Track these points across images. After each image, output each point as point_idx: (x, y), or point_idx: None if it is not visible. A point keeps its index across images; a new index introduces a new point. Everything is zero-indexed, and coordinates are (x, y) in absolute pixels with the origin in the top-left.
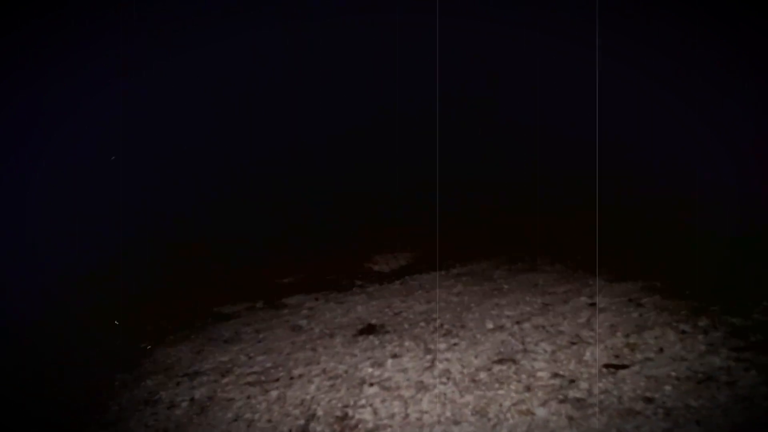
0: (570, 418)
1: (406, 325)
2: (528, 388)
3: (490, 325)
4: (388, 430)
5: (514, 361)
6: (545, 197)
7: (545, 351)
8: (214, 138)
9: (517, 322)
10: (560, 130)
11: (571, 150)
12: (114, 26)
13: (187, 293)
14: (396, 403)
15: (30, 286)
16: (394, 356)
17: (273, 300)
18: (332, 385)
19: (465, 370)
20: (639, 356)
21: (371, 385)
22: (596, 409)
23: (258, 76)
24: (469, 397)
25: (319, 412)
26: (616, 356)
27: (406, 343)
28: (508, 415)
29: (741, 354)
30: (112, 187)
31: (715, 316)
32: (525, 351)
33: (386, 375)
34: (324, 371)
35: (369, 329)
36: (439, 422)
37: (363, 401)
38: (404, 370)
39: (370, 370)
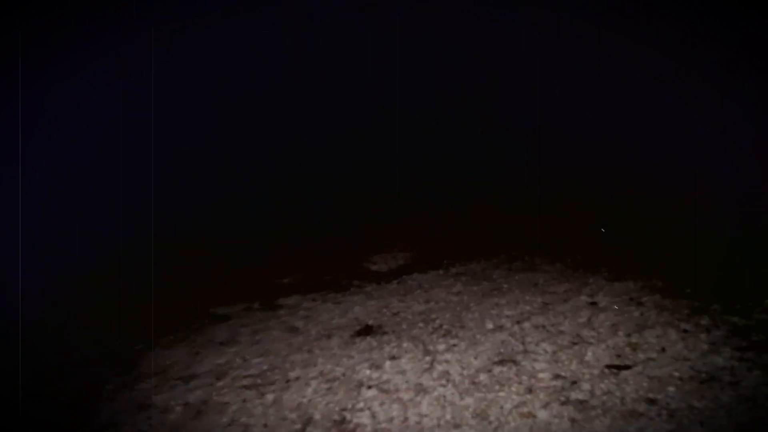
0: (572, 421)
1: (404, 326)
2: (529, 390)
3: (489, 325)
4: None
5: (515, 362)
6: (545, 197)
7: (546, 351)
8: (214, 138)
9: (517, 322)
10: (560, 130)
11: (571, 150)
12: (114, 26)
13: (183, 293)
14: (395, 406)
15: (29, 285)
16: (393, 358)
17: (270, 300)
18: (329, 388)
19: (465, 372)
20: (641, 356)
21: (369, 387)
22: (599, 411)
23: (258, 76)
24: (469, 400)
25: (317, 416)
26: (618, 356)
27: (405, 344)
28: (510, 417)
29: (743, 354)
30: (112, 187)
31: (716, 315)
32: (525, 352)
33: (384, 377)
34: (321, 374)
35: (367, 330)
36: (438, 425)
37: (361, 404)
38: (403, 372)
39: (368, 372)
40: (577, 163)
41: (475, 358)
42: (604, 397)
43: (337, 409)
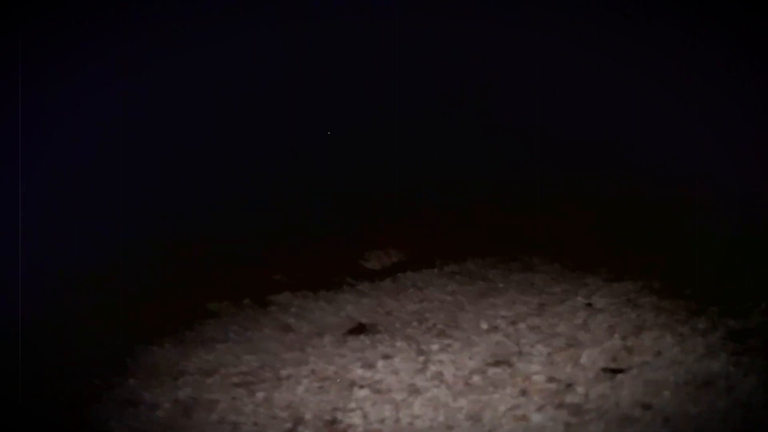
0: (567, 425)
1: (397, 325)
2: (523, 393)
3: (484, 326)
4: None
5: (509, 364)
6: (545, 197)
7: (541, 353)
8: (214, 138)
9: (513, 323)
10: (560, 130)
11: (571, 150)
12: (114, 26)
13: (174, 289)
14: (387, 406)
15: (28, 285)
16: (386, 357)
17: (261, 297)
18: (321, 387)
19: (459, 373)
20: (637, 359)
21: (361, 387)
22: (593, 415)
23: (258, 76)
24: (462, 401)
25: (308, 416)
26: (614, 359)
27: (398, 344)
28: (503, 420)
29: (740, 358)
30: (112, 187)
31: (713, 318)
32: (520, 353)
33: (377, 377)
34: (313, 372)
35: (359, 329)
36: (431, 427)
37: (353, 404)
38: (396, 372)
39: (360, 371)
40: (577, 163)
41: (470, 358)
42: (599, 401)
43: (328, 408)
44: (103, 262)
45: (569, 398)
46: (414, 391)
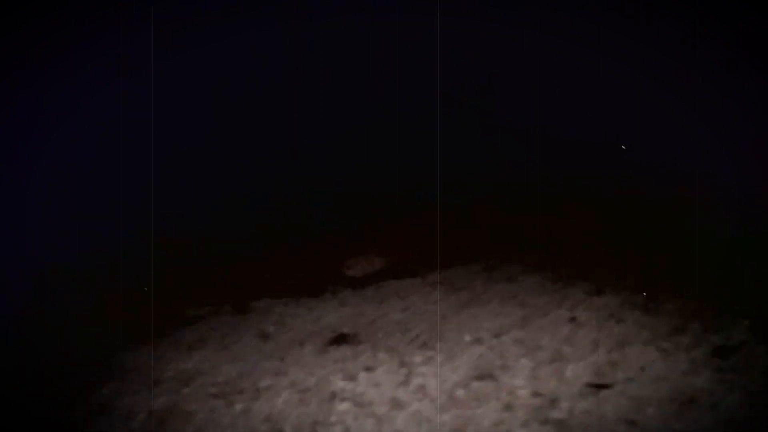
0: None
1: (380, 335)
2: (508, 407)
3: (467, 338)
4: None
5: (493, 378)
6: (543, 197)
7: (525, 367)
8: (214, 138)
9: (496, 336)
10: (560, 130)
11: (571, 150)
12: (114, 26)
13: (152, 293)
14: (369, 420)
15: (26, 284)
16: (368, 369)
17: (241, 303)
18: (301, 399)
19: (442, 386)
20: (621, 375)
21: (343, 400)
22: (578, 431)
23: (258, 76)
24: (446, 416)
25: (287, 429)
26: (598, 374)
27: (380, 355)
28: None
29: (723, 375)
30: (112, 187)
31: (696, 334)
32: (504, 367)
33: (359, 389)
34: (293, 383)
35: (341, 338)
36: None
37: (334, 418)
38: (378, 385)
39: (341, 383)
40: (577, 163)
41: (453, 372)
42: (584, 417)
43: (308, 421)
44: (100, 261)
45: (554, 414)
46: (396, 404)
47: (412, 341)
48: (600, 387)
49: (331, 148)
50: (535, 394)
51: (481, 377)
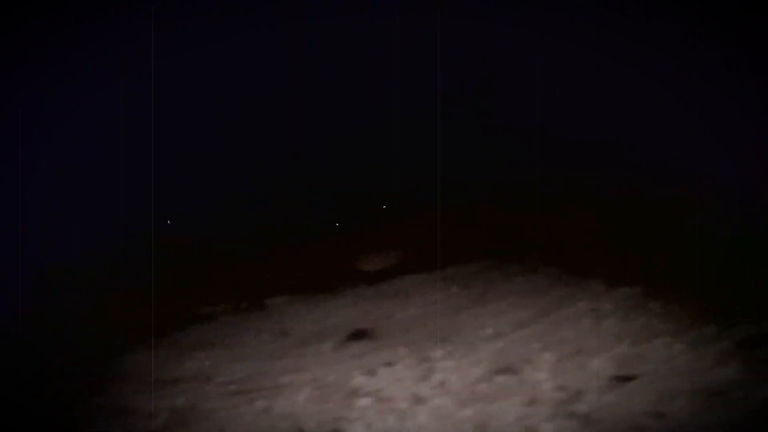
0: None
1: (399, 330)
2: (532, 402)
3: (488, 331)
4: None
5: (516, 372)
6: (543, 197)
7: (548, 360)
8: (214, 138)
9: (517, 329)
10: (560, 130)
11: (571, 150)
12: (114, 26)
13: (171, 293)
14: (391, 416)
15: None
16: (387, 364)
17: (259, 300)
18: (322, 396)
19: (464, 381)
20: (647, 367)
21: (363, 396)
22: (605, 425)
23: (258, 76)
24: (468, 411)
25: (309, 425)
26: (623, 367)
27: (400, 350)
28: (512, 431)
29: (752, 366)
30: (112, 187)
31: (723, 324)
32: (526, 360)
33: (379, 385)
34: (313, 380)
35: (359, 334)
36: None
37: (355, 414)
38: (398, 380)
39: (361, 379)
40: (577, 163)
41: (474, 366)
42: (610, 410)
43: (330, 418)
44: (101, 261)
45: (579, 407)
46: (418, 400)
47: (432, 335)
48: (626, 379)
49: (331, 148)
50: (560, 388)
51: (503, 371)
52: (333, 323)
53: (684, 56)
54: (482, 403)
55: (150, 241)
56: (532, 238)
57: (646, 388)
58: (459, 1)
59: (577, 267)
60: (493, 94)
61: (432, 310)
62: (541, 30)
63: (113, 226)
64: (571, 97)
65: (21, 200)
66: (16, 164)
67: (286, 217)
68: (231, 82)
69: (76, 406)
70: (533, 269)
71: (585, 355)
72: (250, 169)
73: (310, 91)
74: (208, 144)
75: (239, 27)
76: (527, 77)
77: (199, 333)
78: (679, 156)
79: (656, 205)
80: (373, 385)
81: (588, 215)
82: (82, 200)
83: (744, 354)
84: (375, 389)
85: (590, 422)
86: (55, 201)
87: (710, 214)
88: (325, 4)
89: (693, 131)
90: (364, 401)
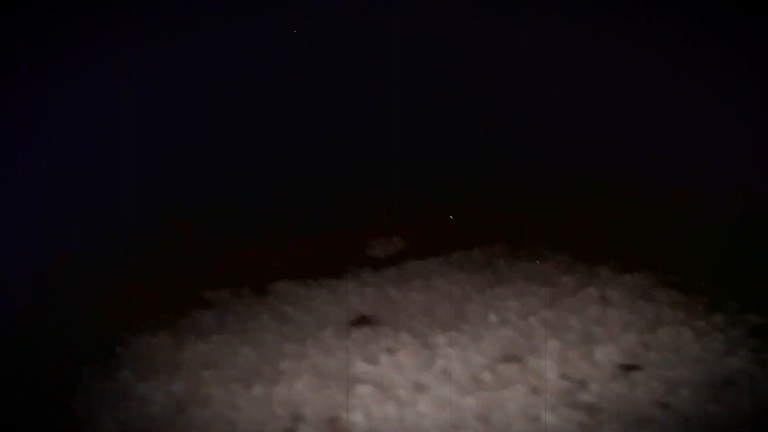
0: (581, 425)
1: (402, 317)
2: (535, 391)
3: (493, 319)
4: None
5: (520, 360)
6: (545, 197)
7: (553, 349)
8: (214, 138)
9: (522, 316)
10: (560, 130)
11: (571, 150)
12: (114, 26)
13: (169, 276)
14: (391, 404)
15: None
16: (390, 351)
17: (260, 285)
18: (322, 383)
19: (466, 369)
20: (654, 356)
21: (364, 383)
22: (609, 414)
23: (258, 76)
24: (471, 400)
25: (307, 413)
26: (629, 356)
27: (403, 337)
28: (514, 420)
29: (762, 356)
30: (112, 187)
31: (732, 313)
32: (531, 348)
33: (381, 372)
34: (313, 366)
35: (362, 320)
36: (437, 427)
37: (355, 401)
38: (400, 368)
39: (362, 366)
40: (577, 163)
41: (478, 354)
42: (615, 400)
43: (329, 405)
44: (100, 260)
45: (584, 397)
46: (419, 387)
47: (436, 322)
48: (632, 369)
49: (331, 148)
50: (564, 377)
51: (507, 359)
52: (335, 309)
53: (684, 56)
54: (485, 392)
55: (149, 233)
56: (536, 224)
57: (653, 377)
58: (459, 1)
59: (584, 254)
60: (493, 94)
61: (436, 296)
62: (541, 30)
63: (112, 226)
64: (571, 97)
65: (21, 200)
66: (16, 164)
67: (286, 217)
68: (231, 82)
69: (75, 393)
70: (540, 256)
71: (591, 344)
72: (250, 169)
73: (310, 91)
74: (208, 144)
75: (239, 27)
76: (527, 77)
77: (199, 318)
78: (679, 156)
79: (656, 205)
80: (374, 372)
81: (588, 215)
82: (82, 200)
83: (753, 344)
84: (376, 376)
85: (595, 412)
86: (55, 201)
87: (710, 214)
88: (325, 4)
89: (693, 131)
90: (364, 388)
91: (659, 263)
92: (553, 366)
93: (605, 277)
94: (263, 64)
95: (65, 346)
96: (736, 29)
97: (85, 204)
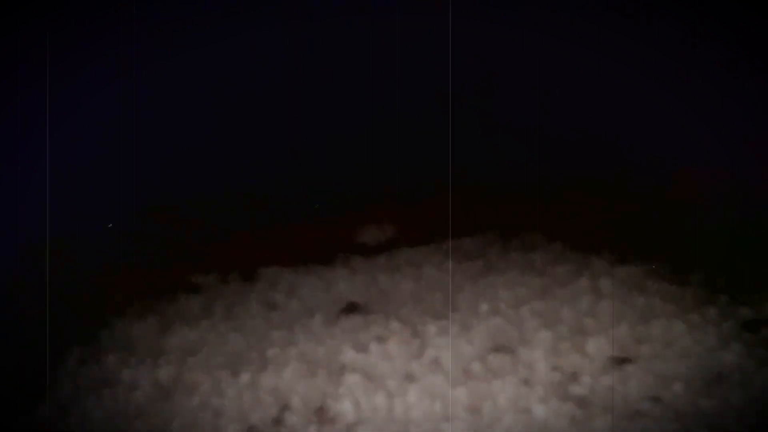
0: (572, 418)
1: (392, 305)
2: (526, 382)
3: (484, 308)
4: (371, 425)
5: (511, 351)
6: (544, 196)
7: (544, 340)
8: (214, 138)
9: (514, 306)
10: (560, 130)
11: (571, 150)
12: (114, 26)
13: (157, 261)
14: (380, 393)
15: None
16: (379, 340)
17: (248, 271)
18: (309, 371)
19: (457, 359)
20: (646, 349)
21: (353, 371)
22: (600, 408)
23: (258, 76)
24: (461, 390)
25: (295, 401)
26: (621, 348)
27: (392, 325)
28: (505, 412)
29: (753, 350)
30: (112, 187)
31: (724, 307)
32: (522, 339)
33: (370, 361)
34: (301, 354)
35: (352, 308)
36: (427, 418)
37: (343, 390)
38: (389, 357)
39: (351, 354)
40: (577, 163)
41: (468, 344)
42: (606, 394)
43: (317, 394)
44: (87, 241)
45: (574, 389)
46: (409, 377)
47: (426, 311)
48: (623, 362)
49: (331, 148)
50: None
51: (497, 350)
52: (325, 296)
53: (684, 56)
54: (475, 383)
55: (138, 218)
56: (529, 213)
57: (644, 371)
58: (459, 1)
59: (577, 245)
60: (493, 94)
61: (427, 285)
62: (541, 30)
63: (112, 225)
64: (571, 97)
65: (21, 200)
66: (16, 164)
67: (286, 217)
68: (231, 82)
69: (59, 378)
70: (533, 246)
71: (582, 336)
72: (250, 169)
73: (310, 91)
74: (208, 144)
75: (239, 27)
76: (527, 77)
77: (186, 304)
78: (679, 156)
79: (656, 205)
80: (363, 361)
81: (588, 214)
82: (82, 200)
83: (746, 337)
84: (365, 365)
85: (585, 405)
86: (55, 201)
87: (710, 214)
88: (325, 4)
89: (693, 131)
90: (352, 377)
91: (653, 256)
92: (545, 357)
93: (598, 268)
94: (263, 64)
95: (50, 330)
96: (736, 29)
97: (85, 204)
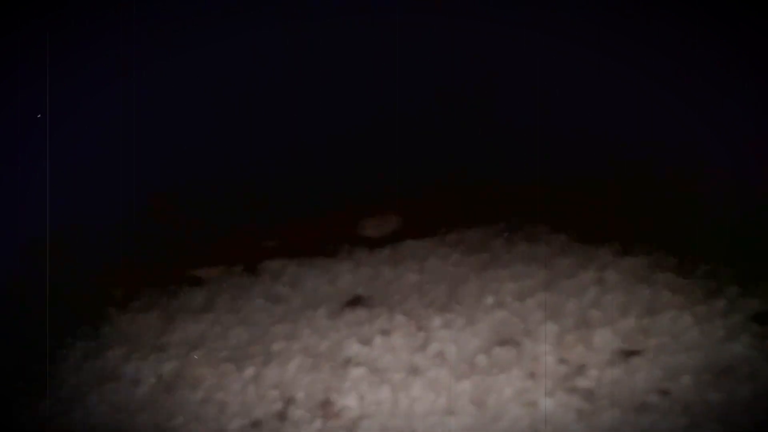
0: (578, 411)
1: (396, 298)
2: (531, 376)
3: (489, 301)
4: (375, 418)
5: (516, 344)
6: (544, 196)
7: (550, 332)
8: (214, 138)
9: (519, 299)
10: (560, 130)
11: (571, 150)
12: (114, 26)
13: (160, 254)
14: (384, 387)
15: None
16: (384, 333)
17: (252, 264)
18: (314, 365)
19: (462, 352)
20: (652, 342)
21: (357, 365)
22: (607, 401)
23: (258, 76)
24: (466, 384)
25: (299, 395)
26: (628, 341)
27: (397, 319)
28: (510, 405)
29: (763, 342)
30: (111, 187)
31: (733, 298)
32: (528, 332)
33: (374, 355)
34: (305, 348)
35: (356, 301)
36: (432, 411)
37: (348, 384)
38: (394, 350)
39: (356, 348)
40: (576, 163)
41: (473, 337)
42: (613, 386)
43: (321, 388)
44: (90, 234)
45: (581, 382)
46: (413, 371)
47: (431, 304)
48: (630, 354)
49: (331, 148)
50: (562, 362)
51: (503, 343)
52: (329, 289)
53: (684, 56)
54: (480, 376)
55: (141, 210)
56: (534, 205)
57: (652, 363)
58: (459, 1)
59: (583, 237)
60: (493, 94)
61: (431, 277)
62: (541, 30)
63: (112, 225)
64: (571, 97)
65: (21, 200)
66: (16, 164)
67: (285, 217)
68: (231, 82)
69: (62, 373)
70: (538, 238)
71: (589, 328)
72: (250, 169)
73: (310, 91)
74: (208, 144)
75: (239, 27)
76: (527, 77)
77: (191, 297)
78: (678, 156)
79: (656, 206)
80: (368, 354)
81: (588, 214)
82: (82, 200)
83: (754, 329)
84: (369, 359)
85: (592, 398)
86: (55, 201)
87: (710, 213)
88: (325, 4)
89: (693, 131)
90: (357, 371)
91: (659, 246)
92: (551, 350)
93: (604, 259)
94: (263, 64)
95: (52, 326)
96: (736, 29)
97: (85, 202)
